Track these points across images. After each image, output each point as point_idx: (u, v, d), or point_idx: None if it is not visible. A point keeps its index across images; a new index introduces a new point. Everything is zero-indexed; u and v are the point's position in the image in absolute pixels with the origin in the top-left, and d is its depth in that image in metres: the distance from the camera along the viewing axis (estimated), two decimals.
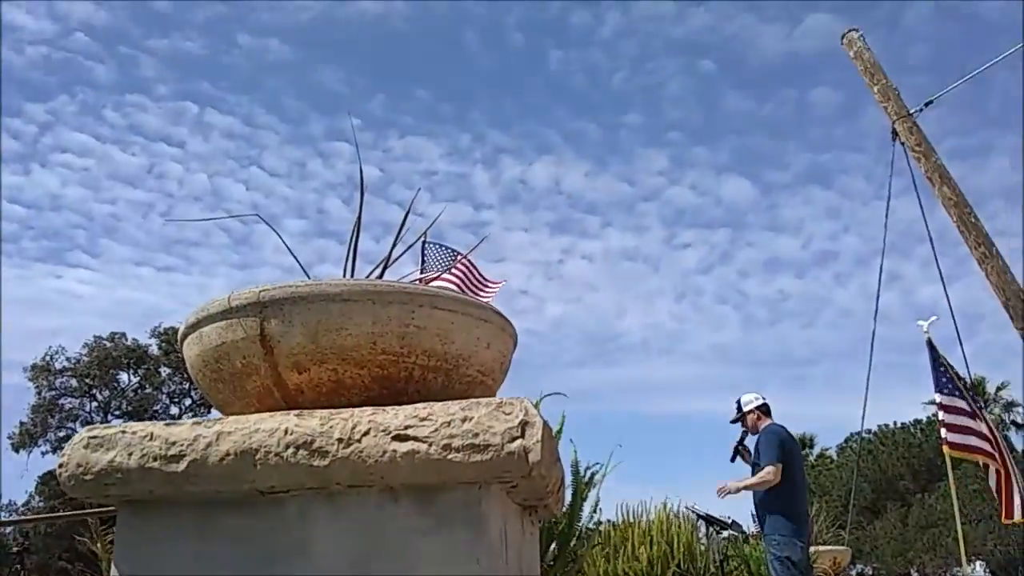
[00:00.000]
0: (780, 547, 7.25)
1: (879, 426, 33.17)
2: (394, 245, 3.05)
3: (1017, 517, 10.07)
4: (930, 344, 10.99)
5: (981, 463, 10.58)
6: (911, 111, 10.18)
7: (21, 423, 35.17)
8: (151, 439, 2.25)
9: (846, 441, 35.47)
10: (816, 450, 37.90)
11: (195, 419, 2.30)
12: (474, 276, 10.36)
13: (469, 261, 10.26)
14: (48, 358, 35.72)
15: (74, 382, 36.00)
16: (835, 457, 36.30)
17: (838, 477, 31.36)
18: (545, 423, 2.16)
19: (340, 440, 2.14)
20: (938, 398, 10.63)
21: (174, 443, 2.23)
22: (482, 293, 10.40)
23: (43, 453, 35.27)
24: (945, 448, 10.38)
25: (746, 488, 7.53)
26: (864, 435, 30.13)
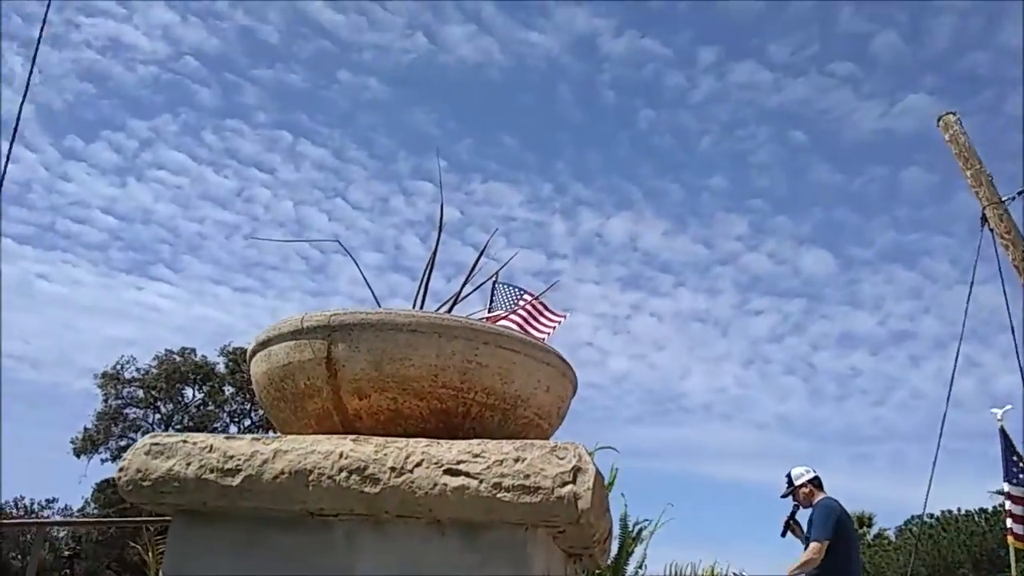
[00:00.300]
0: None
1: (942, 511, 32.20)
2: (465, 283, 3.10)
3: None
4: (1003, 432, 10.68)
5: None
6: (1003, 198, 9.98)
7: (85, 428, 35.88)
8: (210, 451, 2.30)
9: (906, 523, 34.53)
10: (874, 530, 36.85)
11: (255, 435, 2.34)
12: (538, 312, 10.30)
13: (537, 301, 10.22)
14: (119, 367, 36.52)
15: (140, 393, 36.67)
16: (893, 539, 35.26)
17: (895, 559, 30.46)
18: (597, 471, 2.15)
19: (393, 469, 2.16)
20: (1007, 487, 10.31)
21: (232, 457, 2.27)
22: (540, 324, 10.30)
23: (103, 460, 35.90)
24: (1010, 539, 10.06)
25: (796, 572, 7.34)
26: (926, 519, 29.25)
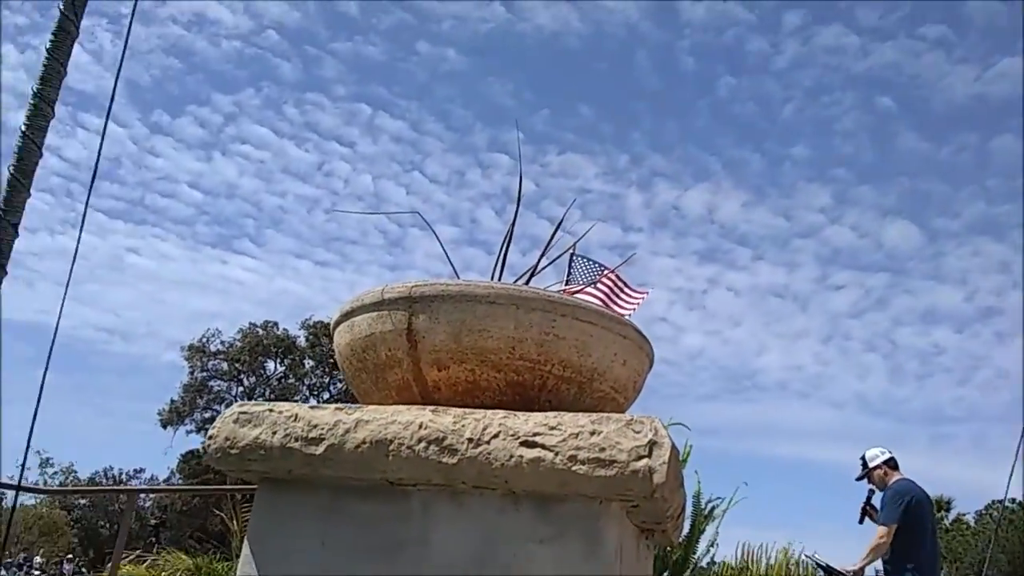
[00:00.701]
0: None
1: None
2: (542, 255, 3.12)
3: None
4: None
5: None
6: None
7: (171, 401, 36.87)
8: (295, 420, 2.37)
9: (986, 508, 33.83)
10: (952, 514, 36.13)
11: (338, 405, 2.41)
12: (618, 287, 10.28)
13: (616, 275, 10.19)
14: (205, 340, 37.42)
15: (225, 365, 37.56)
16: (972, 524, 34.53)
17: (973, 544, 29.81)
18: (673, 446, 2.16)
19: (470, 440, 2.20)
20: None
21: (316, 426, 2.34)
22: (622, 301, 10.26)
23: (188, 432, 36.89)
24: None
25: (866, 563, 7.24)
26: (1007, 504, 28.53)
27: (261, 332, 37.87)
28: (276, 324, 38.48)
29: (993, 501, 33.10)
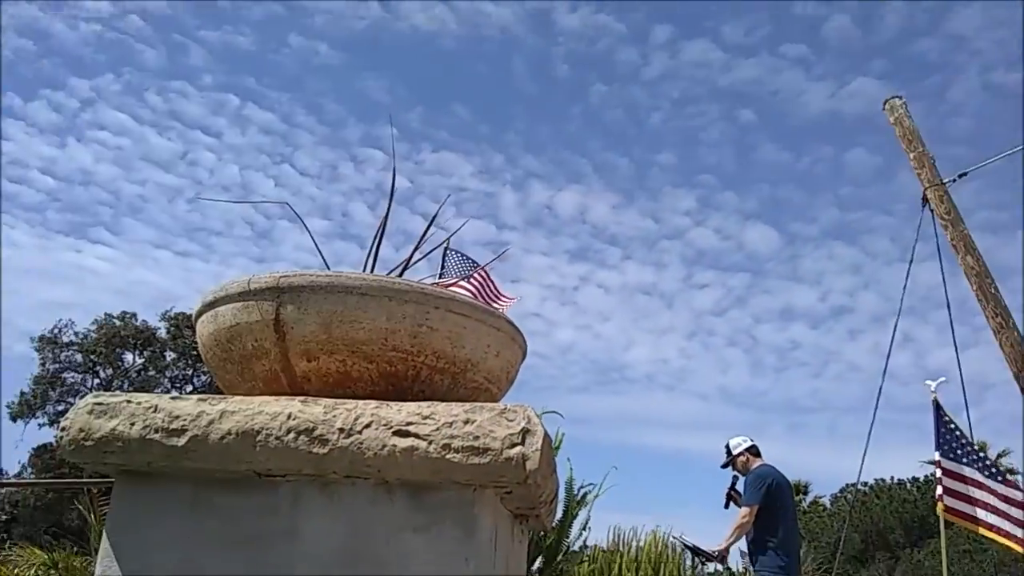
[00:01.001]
0: None
1: (875, 480, 33.16)
2: (416, 248, 3.08)
3: None
4: (936, 404, 10.86)
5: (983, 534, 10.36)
6: (944, 180, 10.22)
7: (22, 393, 35.20)
8: (155, 411, 2.27)
9: (841, 491, 35.50)
10: (810, 497, 37.83)
11: (201, 395, 2.32)
12: (490, 288, 10.39)
13: (487, 272, 10.29)
14: (56, 330, 35.80)
15: (79, 357, 36.01)
16: (828, 506, 36.19)
17: (829, 525, 31.21)
18: (546, 433, 2.17)
19: (342, 430, 2.16)
20: (938, 456, 10.50)
21: (177, 417, 2.25)
22: (495, 305, 10.41)
23: (40, 425, 35.26)
24: (939, 507, 10.27)
25: (731, 543, 7.53)
26: (860, 487, 29.99)
27: (118, 323, 36.35)
28: (134, 315, 37.01)
29: (847, 484, 34.76)
